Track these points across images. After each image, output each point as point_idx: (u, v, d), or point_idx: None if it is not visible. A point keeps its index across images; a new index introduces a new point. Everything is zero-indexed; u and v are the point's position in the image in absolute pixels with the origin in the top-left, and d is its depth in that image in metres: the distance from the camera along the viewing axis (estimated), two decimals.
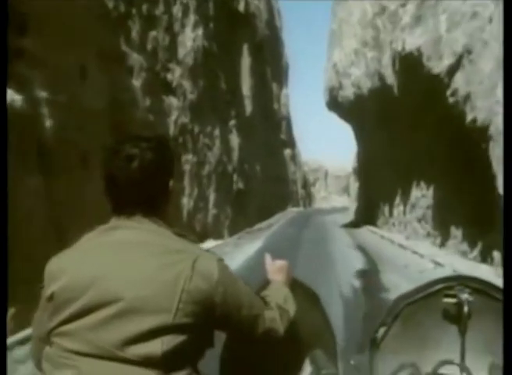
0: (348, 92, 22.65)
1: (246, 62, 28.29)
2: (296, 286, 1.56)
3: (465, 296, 1.69)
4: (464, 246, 12.45)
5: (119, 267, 1.23)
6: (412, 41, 13.45)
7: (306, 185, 67.58)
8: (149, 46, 14.66)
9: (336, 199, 75.86)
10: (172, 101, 16.34)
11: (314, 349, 1.61)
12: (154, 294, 1.19)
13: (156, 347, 1.16)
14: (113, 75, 10.77)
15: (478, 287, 1.71)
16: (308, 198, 69.33)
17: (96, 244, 1.29)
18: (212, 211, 19.30)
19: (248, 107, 28.37)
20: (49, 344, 1.27)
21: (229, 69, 24.55)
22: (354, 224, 27.30)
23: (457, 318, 1.70)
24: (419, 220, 16.96)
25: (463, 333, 1.70)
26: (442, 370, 1.68)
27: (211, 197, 19.42)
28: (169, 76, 16.51)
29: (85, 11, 9.05)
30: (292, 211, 44.79)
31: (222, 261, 1.30)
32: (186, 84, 17.81)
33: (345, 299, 8.21)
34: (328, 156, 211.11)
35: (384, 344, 1.73)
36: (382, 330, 1.73)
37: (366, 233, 22.93)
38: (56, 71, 7.70)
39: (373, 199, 24.77)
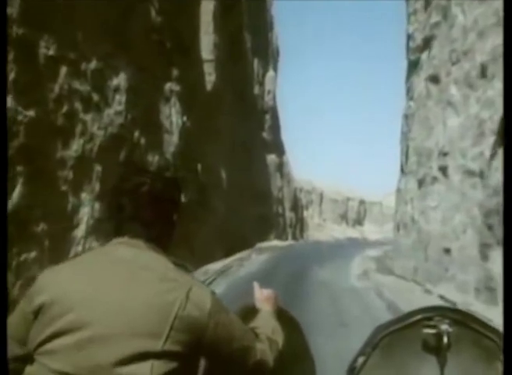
0: None
1: (208, 6, 18.47)
2: (280, 314, 1.63)
3: (444, 327, 1.72)
4: None
5: (115, 287, 1.27)
6: None
7: (297, 207, 56.12)
8: None
9: (334, 228, 65.50)
10: None
11: None
12: (145, 319, 1.23)
13: (146, 369, 1.20)
14: None
15: (458, 318, 1.75)
16: (299, 224, 58.03)
17: (94, 261, 1.35)
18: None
19: (210, 77, 18.42)
20: (30, 363, 1.27)
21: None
22: None
23: (436, 349, 1.74)
24: None
25: (442, 364, 1.74)
26: None
27: (87, 209, 9.16)
28: None
29: None
30: (269, 247, 25.68)
31: (214, 294, 1.35)
32: None
33: None
34: (322, 176, 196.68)
35: (362, 374, 1.76)
36: (360, 360, 1.77)
37: None
38: None
39: None
